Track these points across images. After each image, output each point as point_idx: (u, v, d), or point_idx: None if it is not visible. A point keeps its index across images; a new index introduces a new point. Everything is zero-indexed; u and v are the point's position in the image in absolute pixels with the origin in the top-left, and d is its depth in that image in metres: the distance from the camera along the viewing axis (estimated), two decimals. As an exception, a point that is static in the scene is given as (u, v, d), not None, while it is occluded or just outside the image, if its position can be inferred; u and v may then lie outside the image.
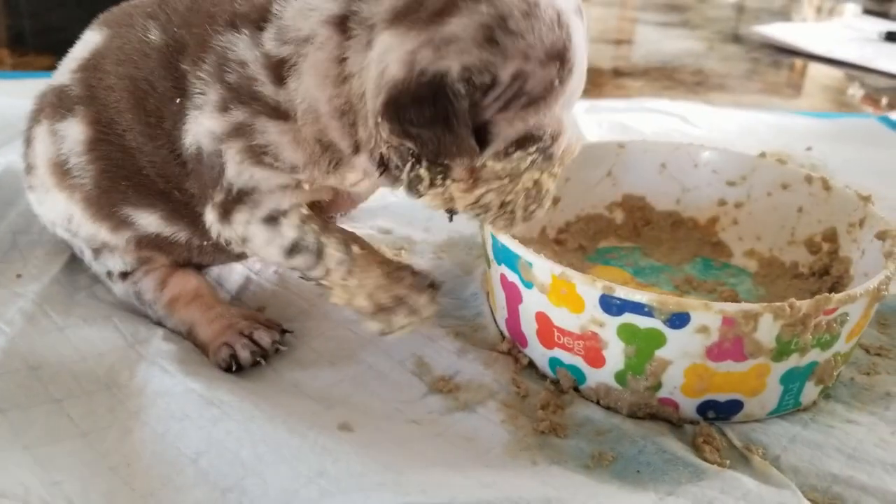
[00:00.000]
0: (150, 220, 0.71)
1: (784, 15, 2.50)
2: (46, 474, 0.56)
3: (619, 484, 0.58)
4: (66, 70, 0.72)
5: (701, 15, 2.41)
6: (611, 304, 0.62)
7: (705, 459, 0.61)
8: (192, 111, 0.64)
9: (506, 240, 0.67)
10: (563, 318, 0.65)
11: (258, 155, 0.62)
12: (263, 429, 0.60)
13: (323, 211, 0.71)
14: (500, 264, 0.70)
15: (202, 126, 0.63)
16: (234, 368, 0.68)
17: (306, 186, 0.65)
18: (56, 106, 0.71)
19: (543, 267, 0.64)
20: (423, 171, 0.58)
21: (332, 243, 0.66)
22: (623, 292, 0.61)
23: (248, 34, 0.62)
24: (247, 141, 0.62)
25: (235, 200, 0.65)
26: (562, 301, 0.64)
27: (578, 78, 0.57)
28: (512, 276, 0.68)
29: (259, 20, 0.62)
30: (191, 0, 0.67)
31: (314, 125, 0.61)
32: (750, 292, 0.83)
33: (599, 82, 1.64)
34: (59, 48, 0.76)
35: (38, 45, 1.59)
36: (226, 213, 0.65)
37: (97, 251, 0.75)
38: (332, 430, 0.61)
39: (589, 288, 0.62)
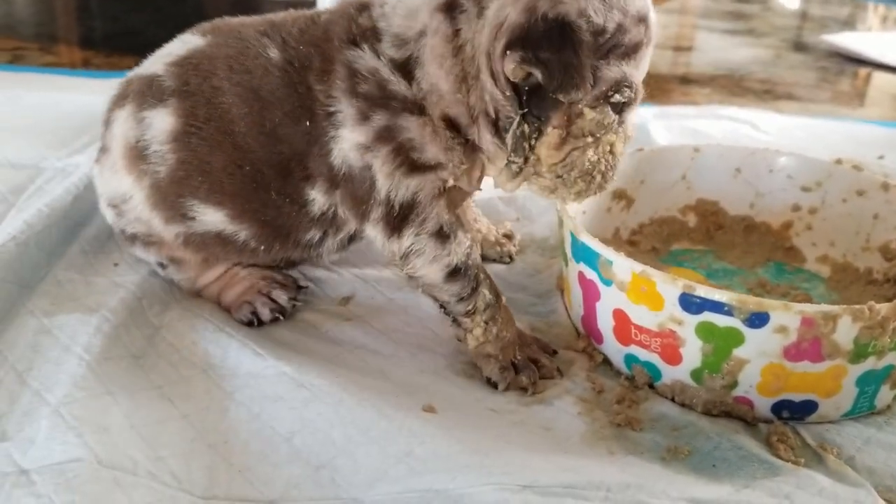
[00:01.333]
0: (214, 217, 0.73)
1: (849, 24, 2.47)
2: (152, 451, 0.59)
3: (696, 476, 0.60)
4: (161, 62, 0.74)
5: (766, 23, 2.39)
6: (690, 303, 0.63)
7: (779, 457, 0.62)
8: (333, 131, 0.68)
9: (586, 238, 0.69)
10: (641, 315, 0.67)
11: (406, 154, 0.66)
12: (353, 411, 0.63)
13: None
14: (578, 262, 0.72)
15: (348, 142, 0.67)
16: (255, 324, 0.75)
17: (451, 181, 0.68)
18: (145, 94, 0.73)
19: (623, 265, 0.66)
20: (526, 128, 0.64)
21: (486, 284, 0.70)
22: (703, 291, 0.62)
23: (368, 47, 0.67)
24: (393, 142, 0.66)
25: (401, 217, 0.68)
26: (641, 299, 0.66)
27: (651, 47, 0.65)
28: (590, 274, 0.70)
29: (372, 37, 0.68)
30: (303, 24, 0.72)
31: (439, 105, 0.66)
32: (823, 297, 0.83)
33: (666, 88, 1.64)
34: (139, 50, 0.80)
35: (120, 46, 1.63)
36: (393, 228, 0.68)
37: (133, 238, 0.78)
38: (417, 413, 0.64)
39: (669, 286, 0.63)
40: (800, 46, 2.10)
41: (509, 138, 0.65)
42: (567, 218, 0.72)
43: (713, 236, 0.93)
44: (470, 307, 0.69)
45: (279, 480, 0.57)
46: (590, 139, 0.64)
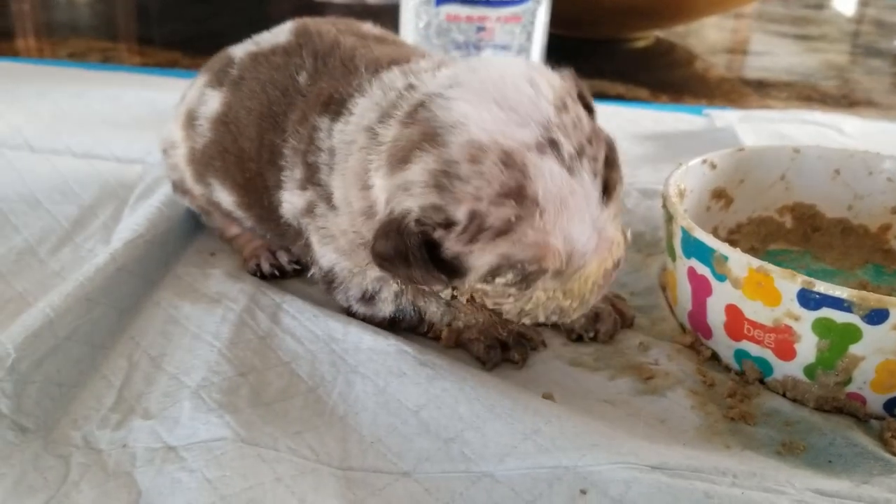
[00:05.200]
0: (226, 198, 0.79)
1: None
2: (288, 426, 0.61)
3: (814, 471, 0.60)
4: (245, 48, 0.79)
5: (839, 29, 2.37)
6: (809, 299, 0.64)
7: (894, 454, 0.63)
8: (283, 186, 0.71)
9: (701, 234, 0.70)
10: (755, 310, 0.67)
11: (322, 235, 0.69)
12: (476, 390, 0.64)
13: None
14: (688, 258, 0.73)
15: (288, 203, 0.70)
16: (258, 275, 0.81)
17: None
18: (217, 72, 0.79)
19: (740, 260, 0.67)
20: None
21: (431, 303, 0.71)
22: (823, 287, 0.63)
23: (328, 120, 0.66)
24: (315, 221, 0.69)
25: (327, 280, 0.72)
26: (756, 294, 0.67)
27: (555, 207, 0.54)
28: (702, 270, 0.71)
29: (338, 111, 0.65)
30: (332, 59, 0.71)
31: (348, 217, 0.64)
32: (926, 299, 0.83)
33: (743, 93, 1.64)
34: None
35: (205, 48, 1.69)
36: (327, 289, 0.73)
37: (174, 185, 0.86)
38: (538, 397, 0.66)
39: (787, 282, 0.64)
40: (873, 52, 2.08)
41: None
42: (680, 214, 0.73)
43: (810, 238, 0.93)
44: (424, 329, 0.72)
45: (411, 453, 0.59)
46: (510, 298, 0.61)
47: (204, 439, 0.58)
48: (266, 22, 0.85)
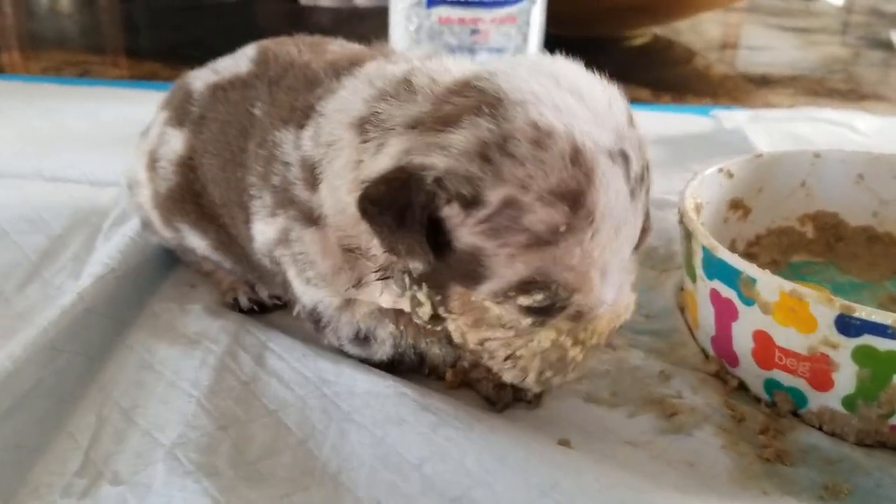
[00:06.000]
0: (199, 243, 0.74)
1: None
2: (274, 489, 0.55)
3: (863, 518, 0.55)
4: (205, 79, 0.72)
5: (839, 20, 2.31)
6: (849, 325, 0.58)
7: (947, 493, 0.57)
8: (253, 218, 0.64)
9: (725, 255, 0.64)
10: (788, 337, 0.61)
11: (301, 266, 0.61)
12: (486, 438, 0.58)
13: None
14: (711, 279, 0.67)
15: (262, 234, 0.64)
16: (236, 310, 0.75)
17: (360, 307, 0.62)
18: (177, 109, 0.72)
19: (770, 283, 0.61)
20: (421, 295, 0.54)
21: (433, 344, 0.63)
22: (864, 312, 0.57)
23: (293, 132, 0.60)
24: (290, 250, 0.61)
25: (315, 320, 0.65)
26: (789, 320, 0.61)
27: (608, 233, 0.48)
28: (727, 293, 0.65)
29: (303, 118, 0.59)
30: (286, 79, 0.65)
31: (339, 230, 0.57)
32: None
33: (746, 90, 1.58)
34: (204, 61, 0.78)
35: (187, 57, 1.63)
36: (315, 328, 0.66)
37: (142, 223, 0.79)
38: (553, 444, 0.60)
39: (824, 307, 0.58)
40: (874, 43, 2.02)
41: (406, 296, 0.56)
42: (700, 232, 0.67)
43: (833, 248, 0.87)
44: (426, 371, 0.66)
45: None
46: (510, 332, 0.53)
47: (180, 509, 0.52)
48: (252, 30, 0.79)
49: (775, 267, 0.84)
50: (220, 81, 0.70)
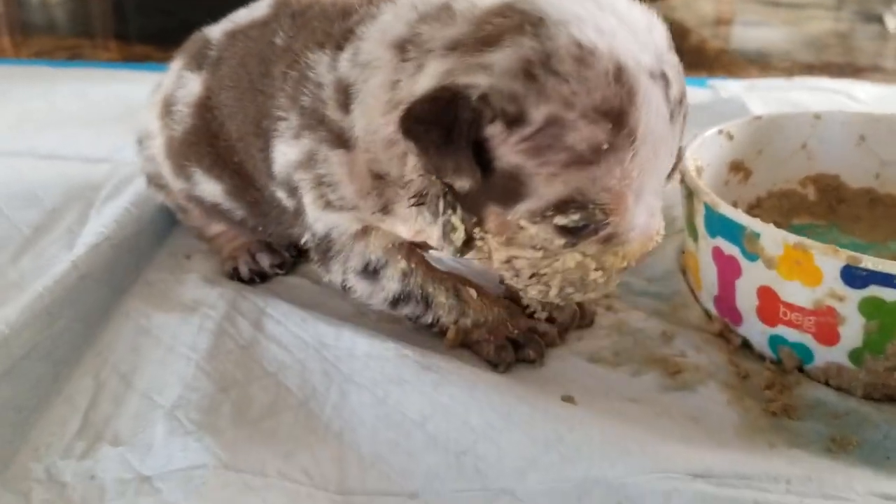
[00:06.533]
0: (213, 189, 0.73)
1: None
2: (277, 446, 0.55)
3: (873, 470, 0.54)
4: (222, 29, 0.73)
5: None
6: (855, 276, 0.57)
7: (956, 445, 0.56)
8: (275, 139, 0.63)
9: (727, 210, 0.63)
10: (793, 292, 0.61)
11: (322, 188, 0.60)
12: (488, 395, 0.57)
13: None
14: (714, 237, 0.66)
15: (283, 156, 0.62)
16: (235, 279, 0.75)
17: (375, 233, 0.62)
18: (195, 55, 0.73)
19: (775, 237, 0.60)
20: (455, 219, 0.54)
21: (440, 293, 0.64)
22: (871, 263, 0.56)
23: (329, 54, 0.59)
24: (313, 172, 0.60)
25: (324, 249, 0.63)
26: (794, 273, 0.60)
27: (647, 154, 0.49)
28: (730, 250, 0.64)
29: (341, 39, 0.59)
30: (315, 11, 0.65)
31: (367, 153, 0.57)
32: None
33: (743, 65, 1.58)
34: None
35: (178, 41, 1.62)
36: (321, 259, 0.64)
37: (149, 178, 0.80)
38: (557, 400, 0.59)
39: (830, 258, 0.57)
40: (869, 18, 2.02)
41: (438, 223, 0.56)
42: (702, 190, 0.66)
43: (835, 210, 0.86)
44: (430, 320, 0.64)
45: (417, 471, 0.53)
46: (539, 253, 0.54)
47: (181, 467, 0.52)
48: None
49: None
50: (238, 27, 0.71)
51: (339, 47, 0.59)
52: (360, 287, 0.64)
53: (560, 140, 0.47)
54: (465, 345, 0.65)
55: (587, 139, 0.47)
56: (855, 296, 0.58)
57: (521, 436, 0.54)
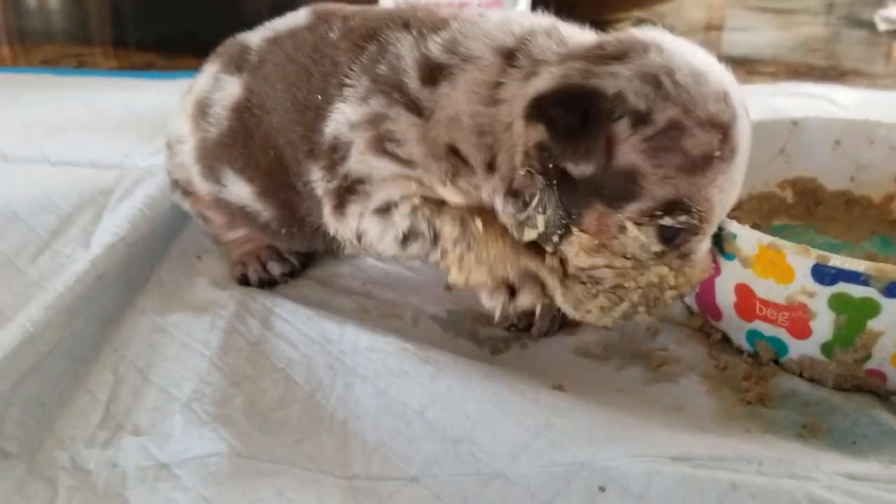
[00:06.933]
0: (242, 191, 0.75)
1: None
2: (286, 436, 0.59)
3: (840, 453, 0.58)
4: (261, 36, 0.75)
5: (823, 2, 2.35)
6: (824, 274, 0.61)
7: (920, 431, 0.60)
8: (338, 103, 0.66)
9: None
10: (768, 289, 0.65)
11: (382, 142, 0.63)
12: (483, 385, 0.61)
13: None
14: (694, 237, 0.70)
15: (343, 115, 0.65)
16: (243, 284, 0.78)
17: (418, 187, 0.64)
18: (233, 58, 0.75)
19: (749, 238, 0.64)
20: (541, 218, 0.57)
21: (447, 223, 0.63)
22: (838, 261, 0.60)
23: (415, 35, 0.64)
24: (376, 129, 0.63)
25: (349, 190, 0.65)
26: (768, 272, 0.64)
27: (736, 173, 0.57)
28: (710, 249, 0.68)
29: (434, 27, 0.64)
30: (357, 18, 0.69)
31: (451, 132, 0.61)
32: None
33: (730, 69, 1.61)
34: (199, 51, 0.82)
35: (181, 48, 1.64)
36: (340, 205, 0.66)
37: (175, 183, 0.82)
38: (548, 388, 0.63)
39: (801, 257, 0.61)
40: (857, 23, 2.06)
41: (525, 214, 0.59)
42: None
43: (813, 212, 0.90)
44: (438, 254, 0.64)
45: (418, 457, 0.56)
46: (628, 262, 0.57)
47: (198, 455, 0.55)
48: (242, 20, 0.82)
49: (757, 230, 0.87)
50: (279, 35, 0.74)
51: (429, 33, 0.63)
52: (372, 227, 0.65)
53: (678, 143, 0.53)
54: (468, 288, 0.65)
55: (702, 145, 0.53)
56: (825, 292, 0.62)
57: (513, 423, 0.58)
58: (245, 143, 0.73)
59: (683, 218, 0.55)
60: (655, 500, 0.52)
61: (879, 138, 0.87)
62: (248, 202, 0.76)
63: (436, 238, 0.64)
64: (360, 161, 0.64)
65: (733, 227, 0.65)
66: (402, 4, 0.72)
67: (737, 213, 0.86)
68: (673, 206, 0.54)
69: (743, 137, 0.55)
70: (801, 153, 0.89)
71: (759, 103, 1.21)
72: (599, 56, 0.55)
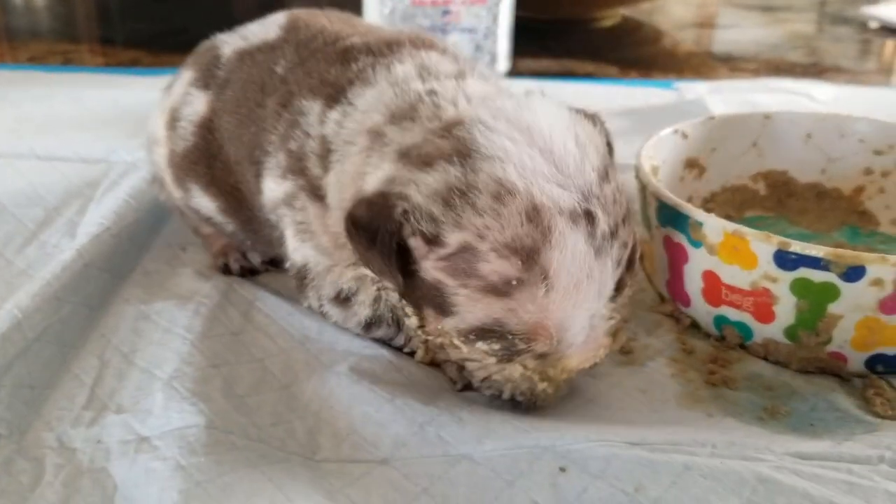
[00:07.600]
0: (207, 205, 0.76)
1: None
2: (262, 419, 0.61)
3: (795, 435, 0.60)
4: (233, 47, 0.74)
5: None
6: (786, 260, 0.63)
7: (877, 413, 0.62)
8: (266, 169, 0.66)
9: (674, 201, 0.69)
10: (733, 275, 0.67)
11: (303, 232, 0.64)
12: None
13: None
14: (664, 226, 0.72)
15: (270, 191, 0.66)
16: (226, 274, 0.79)
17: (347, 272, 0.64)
18: (204, 71, 0.74)
19: (715, 225, 0.66)
20: (409, 308, 0.59)
21: (411, 311, 0.63)
22: (799, 247, 0.62)
23: (320, 106, 0.62)
24: (295, 216, 0.64)
25: (301, 277, 0.67)
26: (733, 258, 0.66)
27: (567, 288, 0.50)
28: (678, 237, 0.70)
29: (333, 96, 0.62)
30: (314, 43, 0.68)
31: (338, 222, 0.60)
32: (903, 257, 0.83)
33: (711, 66, 1.64)
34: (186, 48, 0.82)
35: (168, 46, 1.65)
36: (299, 286, 0.68)
37: (153, 179, 0.83)
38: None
39: (763, 244, 0.64)
40: (839, 20, 2.08)
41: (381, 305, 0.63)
42: (652, 182, 0.72)
43: (785, 203, 0.92)
44: (401, 341, 0.66)
45: (387, 439, 0.58)
46: (489, 358, 0.56)
47: (177, 427, 0.57)
48: (230, 18, 0.84)
49: (730, 221, 0.89)
50: (249, 47, 0.72)
51: (330, 104, 0.61)
52: (334, 313, 0.67)
53: (474, 267, 0.50)
54: (434, 363, 0.67)
55: (498, 272, 0.49)
56: (787, 277, 0.64)
57: (480, 409, 0.60)
58: (208, 162, 0.74)
59: (498, 346, 0.52)
60: (613, 480, 0.54)
61: (850, 132, 0.90)
62: (213, 215, 0.77)
63: (399, 325, 0.66)
64: (294, 248, 0.66)
65: (700, 215, 0.67)
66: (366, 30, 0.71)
67: (711, 204, 0.90)
68: (485, 333, 0.52)
69: (564, 251, 0.49)
70: (774, 146, 0.92)
71: (737, 98, 1.25)
72: (418, 157, 0.53)
